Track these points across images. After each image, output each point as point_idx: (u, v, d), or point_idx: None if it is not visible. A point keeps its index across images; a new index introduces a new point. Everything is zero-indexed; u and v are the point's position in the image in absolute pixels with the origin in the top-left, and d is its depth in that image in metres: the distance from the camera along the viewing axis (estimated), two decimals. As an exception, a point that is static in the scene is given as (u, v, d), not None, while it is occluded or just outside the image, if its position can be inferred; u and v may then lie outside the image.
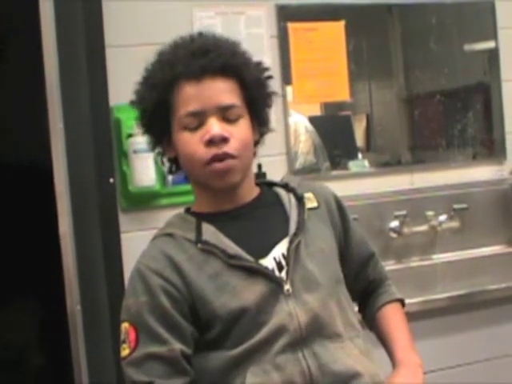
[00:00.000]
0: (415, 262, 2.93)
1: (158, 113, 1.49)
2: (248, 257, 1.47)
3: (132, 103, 1.55)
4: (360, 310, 1.73)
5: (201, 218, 1.53)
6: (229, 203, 1.54)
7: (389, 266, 2.81)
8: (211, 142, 1.45)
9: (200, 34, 1.55)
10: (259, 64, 1.56)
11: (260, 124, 1.57)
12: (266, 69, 1.57)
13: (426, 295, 2.44)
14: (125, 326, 1.46)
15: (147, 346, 1.42)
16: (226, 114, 1.47)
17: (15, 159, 3.54)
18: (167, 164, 1.61)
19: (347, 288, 1.59)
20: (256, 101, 1.53)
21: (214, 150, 1.45)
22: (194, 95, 1.46)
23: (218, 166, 1.46)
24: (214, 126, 1.45)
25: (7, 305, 3.54)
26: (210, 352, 1.44)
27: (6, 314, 3.54)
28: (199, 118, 1.46)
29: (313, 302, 1.47)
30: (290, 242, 1.50)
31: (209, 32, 1.56)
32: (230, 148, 1.46)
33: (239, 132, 1.48)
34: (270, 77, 1.57)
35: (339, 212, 1.64)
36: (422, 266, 2.92)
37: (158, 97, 1.48)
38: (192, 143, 1.47)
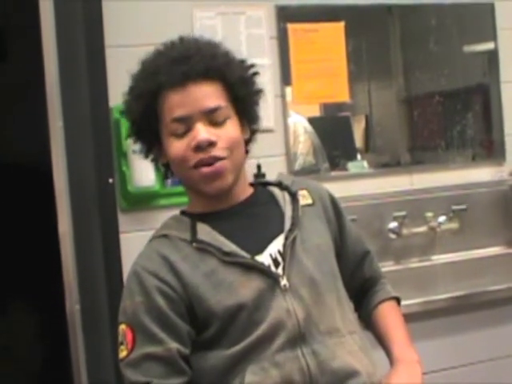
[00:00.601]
0: (414, 263, 2.93)
1: (145, 122, 1.50)
2: (243, 253, 1.47)
3: (122, 113, 1.56)
4: (356, 309, 1.73)
5: (195, 217, 1.54)
6: (222, 203, 1.54)
7: (388, 266, 2.81)
8: (198, 148, 1.45)
9: (181, 40, 1.55)
10: (243, 62, 1.56)
11: (249, 122, 1.57)
12: (251, 66, 1.57)
13: (425, 296, 2.44)
14: (122, 327, 1.47)
15: (144, 347, 1.43)
16: (212, 117, 1.47)
17: (15, 159, 3.55)
18: (162, 169, 1.62)
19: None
20: (242, 100, 1.53)
21: (201, 155, 1.46)
22: (178, 102, 1.46)
23: (206, 170, 1.46)
24: (201, 132, 1.46)
25: (7, 304, 3.55)
26: (208, 351, 1.45)
27: (5, 314, 3.55)
28: (186, 124, 1.47)
29: (310, 298, 1.47)
30: (286, 238, 1.51)
31: (190, 36, 1.57)
32: (218, 151, 1.46)
33: (227, 134, 1.48)
34: (255, 73, 1.57)
35: (334, 210, 1.65)
36: (422, 267, 2.92)
37: (144, 107, 1.49)
38: (180, 149, 1.47)
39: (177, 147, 1.48)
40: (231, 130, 1.49)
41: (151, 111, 1.49)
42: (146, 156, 1.58)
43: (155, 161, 1.59)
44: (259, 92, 1.58)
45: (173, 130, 1.48)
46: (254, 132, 1.60)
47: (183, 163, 1.48)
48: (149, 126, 1.51)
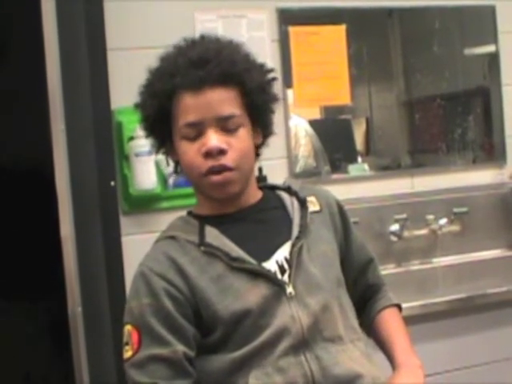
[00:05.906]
0: (415, 266, 2.94)
1: (159, 120, 1.50)
2: (251, 260, 1.47)
3: (136, 106, 1.55)
4: (357, 315, 1.72)
5: (203, 220, 1.53)
6: (231, 207, 1.54)
7: (389, 269, 2.82)
8: (208, 155, 1.45)
9: (202, 38, 1.54)
10: (262, 67, 1.55)
11: (263, 128, 1.56)
12: (270, 70, 1.56)
13: (426, 299, 2.45)
14: (128, 328, 1.46)
15: (150, 348, 1.42)
16: (224, 124, 1.46)
17: (16, 163, 3.55)
18: (172, 164, 1.61)
19: None
20: (258, 107, 1.51)
21: (210, 162, 1.45)
22: (192, 106, 1.45)
23: (215, 178, 1.46)
24: (212, 139, 1.45)
25: (9, 307, 3.55)
26: (213, 354, 1.45)
27: (7, 316, 3.55)
28: (198, 129, 1.46)
29: (315, 305, 1.47)
30: (293, 246, 1.50)
31: (211, 35, 1.55)
32: (228, 160, 1.46)
33: (238, 142, 1.47)
34: (274, 78, 1.56)
35: (341, 216, 1.65)
36: (423, 270, 2.92)
37: (158, 105, 1.48)
38: (190, 153, 1.47)
39: (187, 150, 1.47)
40: (243, 139, 1.48)
41: (165, 111, 1.48)
42: (158, 151, 1.58)
43: (166, 154, 1.58)
44: (276, 99, 1.56)
45: (184, 134, 1.47)
46: (266, 136, 1.58)
47: (193, 169, 1.47)
48: (162, 124, 1.50)
